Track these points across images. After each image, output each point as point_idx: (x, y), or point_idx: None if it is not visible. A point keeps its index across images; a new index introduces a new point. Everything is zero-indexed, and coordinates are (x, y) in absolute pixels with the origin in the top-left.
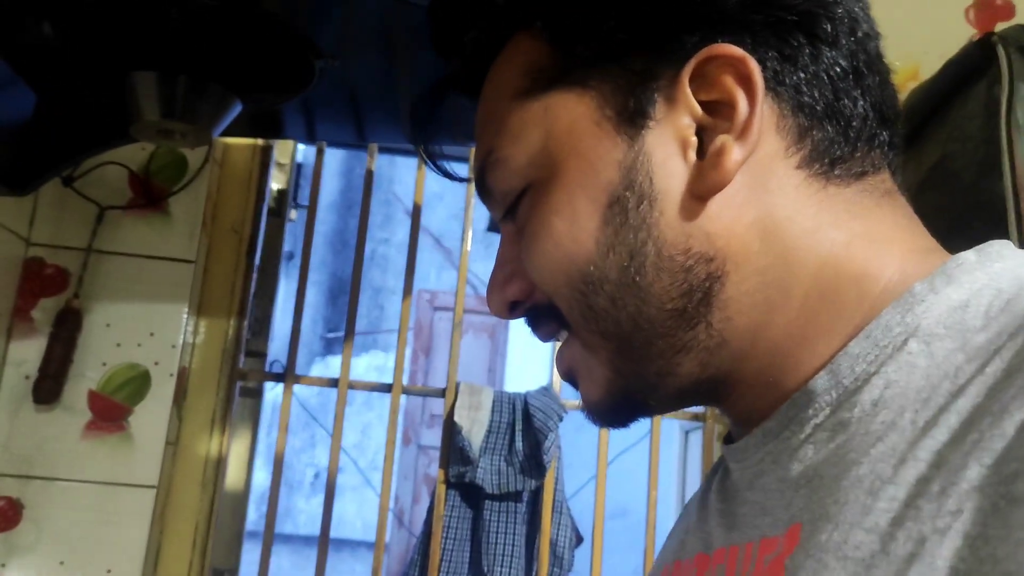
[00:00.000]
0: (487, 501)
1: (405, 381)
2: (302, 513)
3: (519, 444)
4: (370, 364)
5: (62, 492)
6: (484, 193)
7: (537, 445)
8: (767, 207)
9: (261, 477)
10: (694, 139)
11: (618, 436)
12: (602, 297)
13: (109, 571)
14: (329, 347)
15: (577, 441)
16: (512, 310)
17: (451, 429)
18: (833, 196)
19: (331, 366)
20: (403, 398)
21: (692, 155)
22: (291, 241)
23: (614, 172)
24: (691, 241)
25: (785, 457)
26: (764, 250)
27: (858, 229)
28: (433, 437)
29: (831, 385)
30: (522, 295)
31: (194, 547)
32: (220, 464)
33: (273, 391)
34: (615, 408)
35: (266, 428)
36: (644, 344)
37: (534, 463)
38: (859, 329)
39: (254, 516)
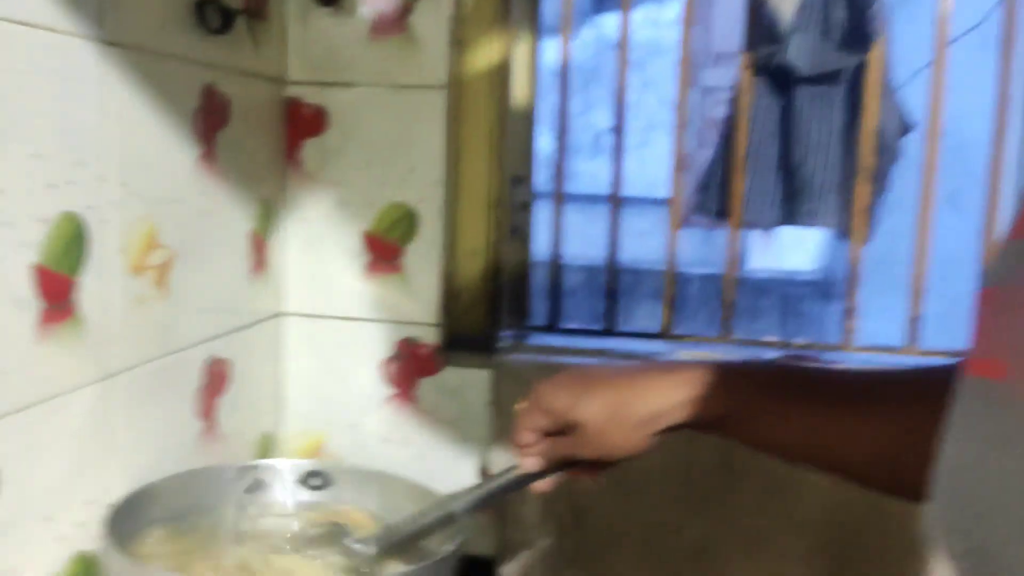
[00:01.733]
0: (799, 85)
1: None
2: (584, 175)
3: (838, 14)
4: (645, 17)
5: (358, 97)
6: None
7: (860, 15)
8: None
9: (544, 142)
10: None
11: (959, 15)
12: None
13: (412, 170)
14: (599, 5)
15: (910, 21)
16: None
17: (755, 4)
18: None
19: (604, 25)
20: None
21: None
22: None
23: None
24: None
25: None
26: None
27: None
28: (719, 77)
29: None
30: None
31: (489, 149)
32: (505, 67)
33: (548, 48)
34: None
35: (544, 91)
36: None
37: (856, 36)
38: None
39: (541, 178)
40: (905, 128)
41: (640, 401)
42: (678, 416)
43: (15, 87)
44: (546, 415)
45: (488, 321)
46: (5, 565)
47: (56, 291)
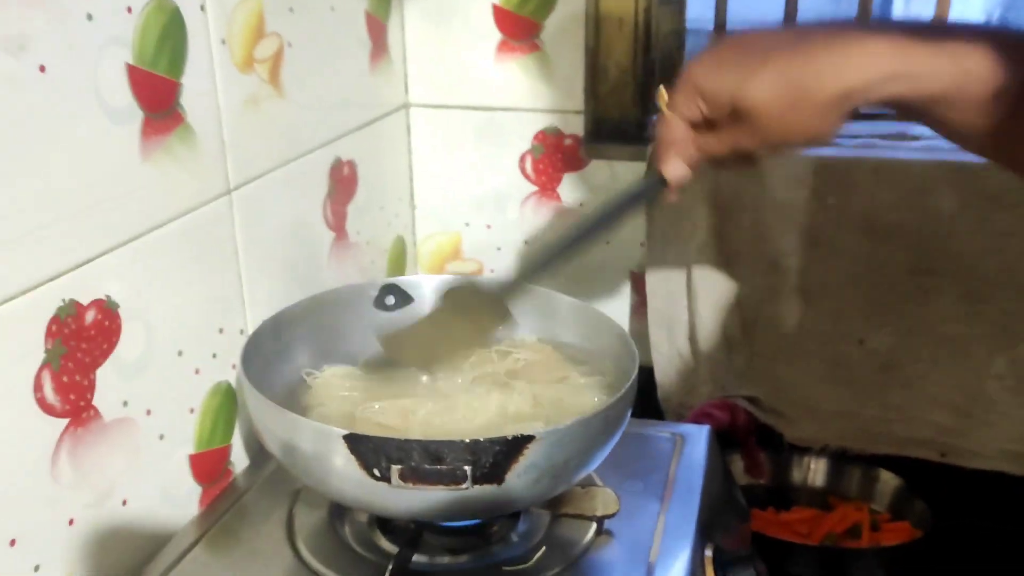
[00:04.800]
0: None
1: None
2: None
3: None
4: None
5: None
6: None
7: None
8: None
9: None
10: None
11: None
12: None
13: None
14: None
15: None
16: None
17: None
18: None
19: None
20: None
21: None
22: None
23: None
24: None
25: None
26: None
27: None
28: None
29: None
30: None
31: None
32: None
33: None
34: None
35: None
36: None
37: None
38: None
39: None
40: None
41: (830, 75)
42: (879, 93)
43: None
44: (703, 102)
45: (639, 104)
46: (145, 403)
47: (157, 96)
